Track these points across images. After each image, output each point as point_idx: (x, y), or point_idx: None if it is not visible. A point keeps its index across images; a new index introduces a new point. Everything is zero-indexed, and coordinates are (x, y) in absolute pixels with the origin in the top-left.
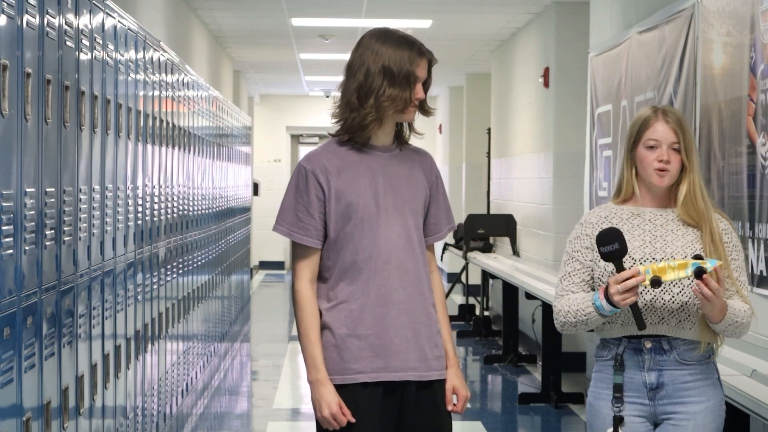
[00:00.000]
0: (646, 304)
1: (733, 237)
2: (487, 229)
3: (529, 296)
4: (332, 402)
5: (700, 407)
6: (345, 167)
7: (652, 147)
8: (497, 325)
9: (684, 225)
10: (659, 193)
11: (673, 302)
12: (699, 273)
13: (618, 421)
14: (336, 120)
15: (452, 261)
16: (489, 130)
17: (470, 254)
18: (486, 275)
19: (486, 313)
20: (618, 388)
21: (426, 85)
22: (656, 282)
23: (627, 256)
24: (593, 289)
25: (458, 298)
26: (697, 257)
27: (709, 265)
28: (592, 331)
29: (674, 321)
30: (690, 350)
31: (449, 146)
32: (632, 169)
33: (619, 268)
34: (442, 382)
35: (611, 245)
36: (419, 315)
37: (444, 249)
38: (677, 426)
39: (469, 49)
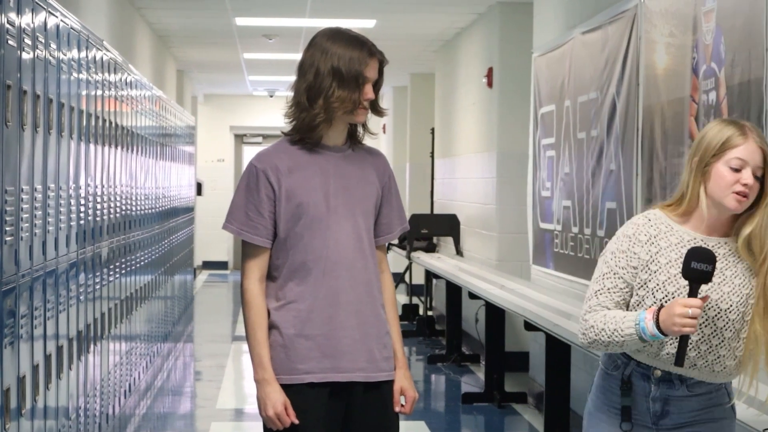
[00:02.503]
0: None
1: None
2: (431, 229)
3: (473, 296)
4: (277, 402)
5: (706, 427)
6: (296, 167)
7: (737, 169)
8: (441, 325)
9: (740, 265)
10: (718, 219)
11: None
12: None
13: None
14: (288, 120)
15: (396, 261)
16: (433, 130)
17: (414, 254)
18: (429, 275)
19: (429, 313)
20: (626, 411)
21: (377, 86)
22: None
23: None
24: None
25: (402, 298)
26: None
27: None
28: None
29: (706, 369)
30: (701, 383)
31: (393, 146)
32: (701, 184)
33: (693, 292)
34: (390, 383)
35: (707, 265)
36: (368, 316)
37: (388, 248)
38: None
39: (413, 49)
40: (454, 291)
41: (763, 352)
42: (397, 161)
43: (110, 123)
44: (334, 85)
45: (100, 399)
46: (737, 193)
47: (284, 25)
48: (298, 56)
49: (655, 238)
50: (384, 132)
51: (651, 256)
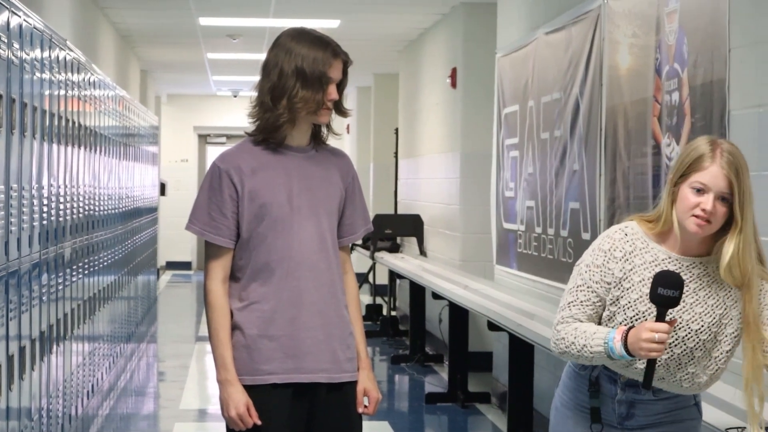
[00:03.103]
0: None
1: None
2: (395, 229)
3: (436, 296)
4: (240, 402)
5: (673, 427)
6: (259, 167)
7: (699, 190)
8: (404, 325)
9: (715, 285)
10: (698, 240)
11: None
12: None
13: None
14: (252, 120)
15: (360, 261)
16: (397, 130)
17: (377, 254)
18: (393, 275)
19: (393, 313)
20: (596, 412)
21: (341, 87)
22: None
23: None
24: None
25: (365, 298)
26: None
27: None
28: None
29: (675, 384)
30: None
31: (357, 146)
32: (672, 204)
33: (660, 317)
34: (353, 384)
35: (673, 291)
36: (331, 316)
37: (351, 249)
38: None
39: (377, 50)
40: (417, 291)
41: (764, 375)
42: (361, 161)
43: (73, 123)
44: (298, 86)
45: (63, 400)
46: (696, 216)
47: (248, 25)
48: (262, 56)
49: (630, 254)
50: (348, 132)
51: (624, 273)
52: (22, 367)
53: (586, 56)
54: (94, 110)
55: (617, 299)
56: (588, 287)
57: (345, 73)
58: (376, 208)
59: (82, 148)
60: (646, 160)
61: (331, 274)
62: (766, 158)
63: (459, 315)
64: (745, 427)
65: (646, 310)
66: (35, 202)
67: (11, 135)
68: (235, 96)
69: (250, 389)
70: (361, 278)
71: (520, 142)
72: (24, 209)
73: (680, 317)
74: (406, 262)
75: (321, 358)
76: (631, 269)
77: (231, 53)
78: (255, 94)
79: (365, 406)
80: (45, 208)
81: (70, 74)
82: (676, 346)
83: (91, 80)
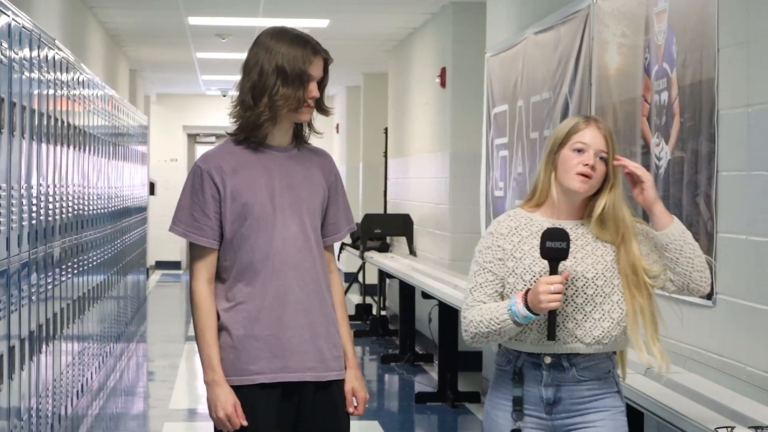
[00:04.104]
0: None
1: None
2: (384, 228)
3: (426, 296)
4: (227, 403)
5: (599, 415)
6: (241, 167)
7: (579, 150)
8: (394, 325)
9: (598, 241)
10: (576, 204)
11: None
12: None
13: None
14: (233, 119)
15: (349, 260)
16: (386, 130)
17: (367, 254)
18: (383, 275)
19: (383, 313)
20: (518, 401)
21: (322, 84)
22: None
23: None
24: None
25: (355, 297)
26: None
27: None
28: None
29: (587, 337)
30: (589, 367)
31: (346, 146)
32: (552, 173)
33: (553, 270)
34: (340, 383)
35: (560, 242)
36: (317, 315)
37: (341, 248)
38: None
39: (366, 49)
40: (407, 291)
41: (649, 322)
42: (350, 161)
43: (62, 122)
44: (279, 84)
45: (53, 399)
46: (580, 174)
47: (237, 25)
48: None
49: (516, 229)
50: (337, 132)
51: (514, 245)
52: (11, 366)
53: (575, 56)
54: (83, 110)
55: (513, 270)
56: (483, 269)
57: (326, 71)
58: (365, 208)
59: (71, 147)
60: (635, 160)
61: (316, 272)
62: (754, 158)
63: (449, 314)
64: (734, 427)
65: (541, 270)
66: (24, 201)
67: (0, 134)
68: (224, 95)
69: (237, 390)
70: (351, 278)
71: (509, 142)
72: (13, 209)
73: (574, 270)
74: (395, 261)
75: (307, 357)
76: (520, 240)
77: (220, 53)
78: (236, 93)
79: (354, 406)
80: (34, 208)
81: (59, 74)
82: (577, 296)
83: (80, 80)
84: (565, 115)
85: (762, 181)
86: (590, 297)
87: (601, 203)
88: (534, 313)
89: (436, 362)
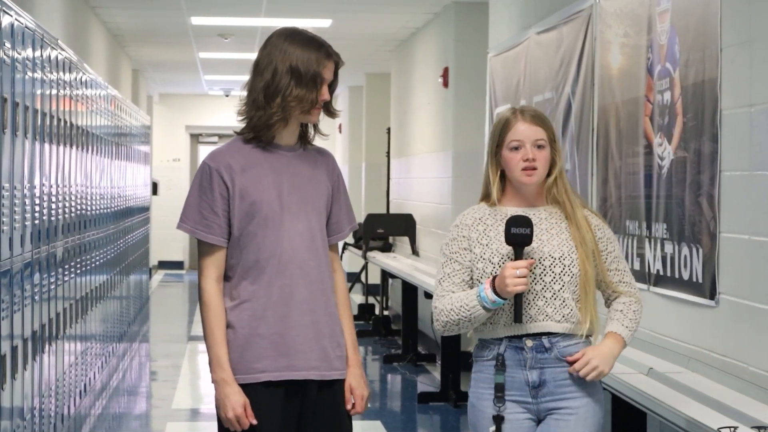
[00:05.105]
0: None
1: (606, 231)
2: (387, 228)
3: (429, 295)
4: (237, 403)
5: (581, 402)
6: (249, 165)
7: (516, 148)
8: (396, 325)
9: (557, 221)
10: (530, 193)
11: (552, 294)
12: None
13: (499, 420)
14: (242, 118)
15: (352, 260)
16: (389, 129)
17: (370, 254)
18: (385, 275)
19: (385, 313)
20: (499, 388)
21: (332, 87)
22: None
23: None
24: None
25: (358, 297)
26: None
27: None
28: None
29: (558, 315)
30: (569, 346)
31: (349, 146)
32: (497, 173)
33: (518, 255)
34: (343, 382)
35: (524, 228)
36: (321, 314)
37: (344, 248)
38: (560, 420)
39: (369, 49)
40: (410, 290)
41: (594, 291)
42: (352, 161)
43: (65, 122)
44: (292, 84)
45: (56, 399)
46: (524, 169)
47: (240, 25)
48: (253, 56)
49: (480, 219)
50: (340, 132)
51: (479, 233)
52: (14, 366)
53: (577, 56)
54: (86, 110)
55: (481, 256)
56: (451, 260)
57: (336, 74)
58: (368, 208)
59: (74, 147)
60: (638, 160)
61: (321, 271)
62: (757, 158)
63: None
64: (737, 427)
65: (508, 253)
66: (27, 201)
67: (3, 134)
68: (227, 95)
69: (242, 388)
70: (354, 278)
71: None
72: (16, 209)
73: (541, 251)
74: (398, 261)
75: (312, 356)
76: (485, 229)
77: (223, 53)
78: (245, 92)
79: (353, 405)
80: (37, 208)
81: (61, 74)
82: (545, 275)
83: (83, 80)
84: (567, 115)
85: (765, 181)
86: (558, 276)
87: (550, 179)
88: (502, 298)
89: (439, 362)
